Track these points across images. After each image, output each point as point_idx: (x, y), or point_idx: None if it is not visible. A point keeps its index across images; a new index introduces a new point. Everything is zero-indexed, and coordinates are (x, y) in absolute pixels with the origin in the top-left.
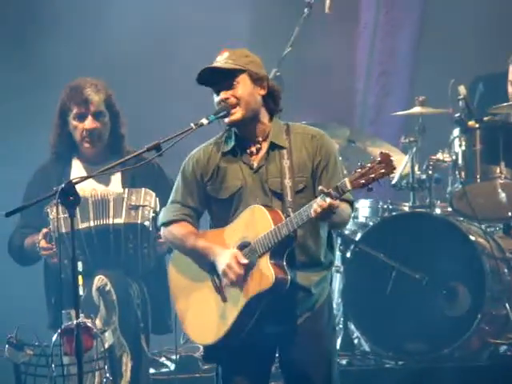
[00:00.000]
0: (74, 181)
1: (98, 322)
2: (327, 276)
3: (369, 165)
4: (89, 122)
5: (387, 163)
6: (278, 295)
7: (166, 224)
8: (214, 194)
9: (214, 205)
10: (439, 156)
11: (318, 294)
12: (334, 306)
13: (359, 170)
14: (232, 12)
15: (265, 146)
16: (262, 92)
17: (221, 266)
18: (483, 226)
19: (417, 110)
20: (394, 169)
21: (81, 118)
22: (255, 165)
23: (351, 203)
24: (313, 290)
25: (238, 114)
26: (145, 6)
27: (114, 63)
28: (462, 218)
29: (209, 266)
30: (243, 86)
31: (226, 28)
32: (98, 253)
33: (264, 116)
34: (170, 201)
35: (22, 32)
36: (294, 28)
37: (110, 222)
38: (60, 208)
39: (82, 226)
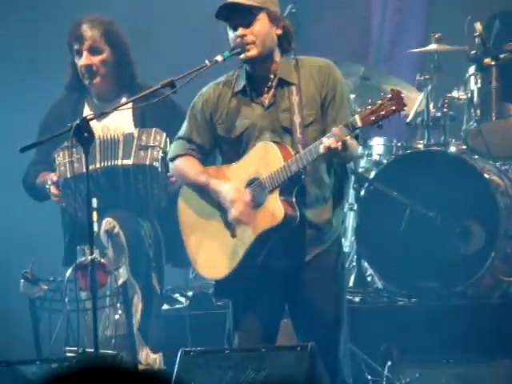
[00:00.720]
0: (88, 117)
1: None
2: (339, 214)
3: (379, 102)
4: (83, 59)
5: (398, 100)
6: (286, 231)
7: (172, 159)
8: (225, 133)
9: (224, 145)
10: (454, 94)
11: (328, 231)
12: (348, 243)
13: (369, 107)
14: None
15: (275, 83)
16: (279, 32)
17: (225, 202)
18: (498, 164)
19: (432, 47)
20: (405, 106)
21: (79, 54)
22: (266, 102)
23: (356, 136)
24: (323, 228)
25: (253, 50)
26: None
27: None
28: (476, 156)
29: (215, 201)
30: (261, 25)
31: None
32: (106, 194)
33: (277, 55)
34: (176, 137)
35: None
36: None
37: (119, 162)
38: (66, 153)
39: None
